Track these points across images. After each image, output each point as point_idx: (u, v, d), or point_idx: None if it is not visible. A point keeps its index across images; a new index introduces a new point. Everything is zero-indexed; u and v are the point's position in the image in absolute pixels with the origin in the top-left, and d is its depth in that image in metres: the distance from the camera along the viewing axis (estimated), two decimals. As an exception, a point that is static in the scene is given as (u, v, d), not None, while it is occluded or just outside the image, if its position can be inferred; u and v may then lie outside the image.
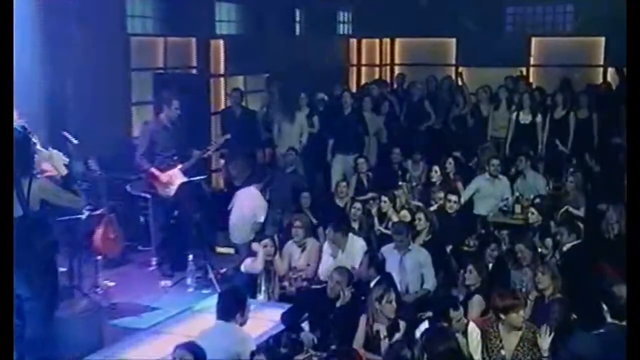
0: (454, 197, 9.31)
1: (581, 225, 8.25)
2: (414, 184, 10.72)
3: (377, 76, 14.65)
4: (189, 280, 8.44)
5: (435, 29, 13.36)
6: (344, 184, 10.07)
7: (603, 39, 12.92)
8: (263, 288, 7.65)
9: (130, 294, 8.27)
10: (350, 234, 8.29)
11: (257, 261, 7.63)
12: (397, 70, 14.56)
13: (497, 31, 13.27)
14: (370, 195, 10.18)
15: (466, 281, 7.01)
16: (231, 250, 9.68)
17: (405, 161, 11.03)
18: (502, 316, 5.83)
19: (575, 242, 7.82)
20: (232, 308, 5.67)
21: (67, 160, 5.92)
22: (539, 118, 11.53)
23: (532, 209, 8.79)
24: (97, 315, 7.06)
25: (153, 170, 8.65)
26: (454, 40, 14.00)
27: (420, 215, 8.64)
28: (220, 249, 9.81)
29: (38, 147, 5.84)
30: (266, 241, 7.78)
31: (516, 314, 5.78)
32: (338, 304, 6.63)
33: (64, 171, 5.84)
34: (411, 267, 7.94)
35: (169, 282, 8.65)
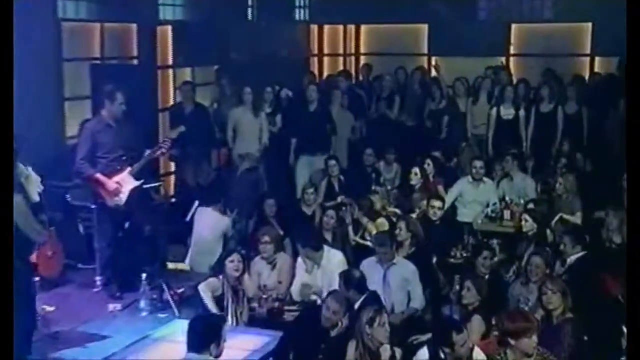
0: (437, 203, 9.18)
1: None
2: (389, 187, 10.55)
3: (340, 67, 14.41)
4: (142, 303, 8.07)
5: (405, 14, 13.15)
6: (311, 189, 9.82)
7: (590, 24, 12.87)
8: (230, 310, 7.36)
9: (74, 320, 7.85)
10: (326, 247, 8.05)
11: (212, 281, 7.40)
12: (362, 60, 14.27)
13: (472, 17, 13.11)
14: (340, 199, 10.01)
15: (463, 299, 6.83)
16: (186, 267, 9.42)
17: (378, 162, 10.86)
18: (512, 341, 5.65)
19: (580, 254, 7.71)
20: (205, 338, 5.39)
21: (42, 187, 5.83)
22: (522, 113, 11.46)
23: (526, 216, 8.65)
24: (37, 346, 6.73)
25: (98, 176, 8.22)
26: (425, 26, 13.80)
27: (401, 224, 8.44)
28: (172, 265, 9.50)
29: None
30: (233, 256, 7.50)
31: (528, 338, 5.60)
32: (333, 333, 6.39)
33: (36, 198, 5.73)
34: (396, 284, 7.77)
35: (118, 306, 8.28)
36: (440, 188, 10.19)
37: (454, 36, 13.24)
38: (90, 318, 7.94)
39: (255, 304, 7.65)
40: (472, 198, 9.86)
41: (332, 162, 10.53)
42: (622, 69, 11.97)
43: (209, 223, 9.15)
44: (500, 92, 11.69)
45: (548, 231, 8.62)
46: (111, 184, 8.26)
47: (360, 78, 13.77)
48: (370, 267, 7.91)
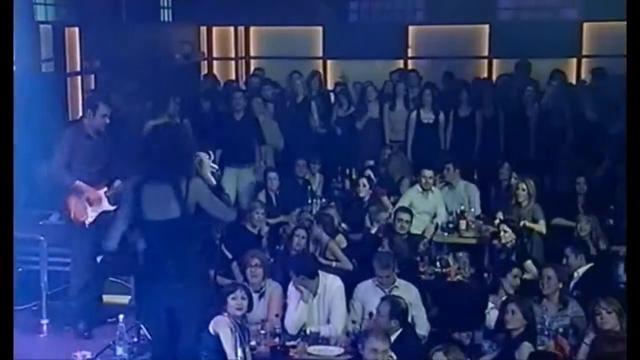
0: (405, 216, 8.62)
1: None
2: (323, 200, 9.92)
3: (232, 72, 13.49)
4: (119, 350, 7.00)
5: (297, 17, 12.49)
6: (260, 208, 8.96)
7: (487, 26, 12.77)
8: (240, 354, 6.47)
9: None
10: (322, 273, 7.30)
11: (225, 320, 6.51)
12: (254, 64, 13.43)
13: (368, 19, 12.68)
14: (282, 217, 9.29)
15: (508, 325, 6.31)
16: (124, 300, 8.38)
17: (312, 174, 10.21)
18: None
19: (587, 267, 7.42)
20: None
21: (217, 168, 5.95)
22: (442, 117, 11.14)
23: (504, 226, 8.28)
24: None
25: (79, 184, 7.39)
26: (320, 29, 13.19)
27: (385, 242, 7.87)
28: (108, 298, 8.42)
29: None
30: (237, 292, 6.61)
31: None
32: None
33: (213, 180, 5.81)
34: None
35: (88, 354, 7.15)
36: (385, 200, 9.64)
37: (350, 39, 12.69)
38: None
39: (253, 342, 6.77)
40: (422, 209, 9.37)
41: (273, 174, 9.75)
42: (524, 70, 11.97)
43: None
44: (419, 96, 11.29)
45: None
46: (93, 194, 7.50)
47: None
48: (368, 292, 7.29)
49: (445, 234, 9.23)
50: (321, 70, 12.99)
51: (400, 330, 6.38)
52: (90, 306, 7.62)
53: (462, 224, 9.25)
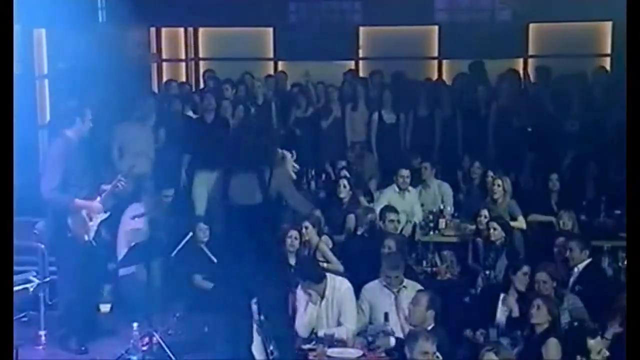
0: (393, 215, 8.58)
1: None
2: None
3: (182, 74, 13.16)
4: (134, 359, 6.80)
5: (249, 18, 12.28)
6: None
7: (436, 27, 12.86)
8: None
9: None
10: (329, 276, 7.16)
11: None
12: (203, 66, 13.13)
13: (321, 21, 12.57)
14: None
15: (533, 319, 6.31)
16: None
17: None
18: None
19: (587, 261, 7.49)
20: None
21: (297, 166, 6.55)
22: (402, 117, 11.17)
23: (494, 224, 8.32)
24: None
25: (78, 202, 7.17)
26: (270, 29, 13.01)
27: (391, 242, 7.78)
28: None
29: None
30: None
31: None
32: None
33: (294, 176, 6.42)
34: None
35: None
36: (362, 200, 9.57)
37: (302, 40, 12.56)
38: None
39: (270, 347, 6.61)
40: (400, 208, 9.31)
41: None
42: (477, 69, 12.09)
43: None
44: (379, 97, 11.28)
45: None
46: (96, 206, 7.33)
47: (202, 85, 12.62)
48: (376, 293, 7.23)
49: (431, 232, 9.24)
50: (272, 72, 12.83)
51: (433, 325, 6.38)
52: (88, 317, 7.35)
53: (442, 223, 9.29)
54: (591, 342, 5.91)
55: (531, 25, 12.72)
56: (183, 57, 13.19)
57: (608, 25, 12.65)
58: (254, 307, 6.37)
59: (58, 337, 7.34)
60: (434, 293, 6.62)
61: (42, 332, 7.33)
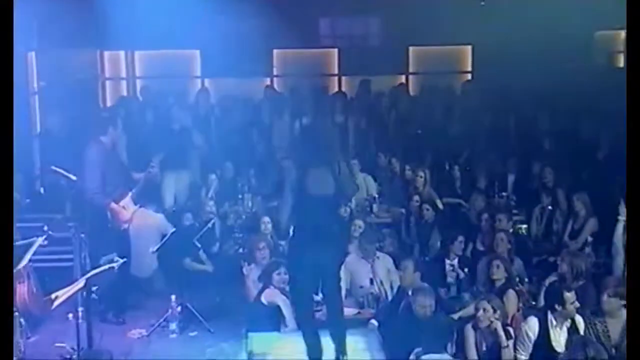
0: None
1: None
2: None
3: (124, 90, 14.30)
4: (172, 325, 8.07)
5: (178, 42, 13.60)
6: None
7: (336, 50, 14.72)
8: (289, 317, 7.79)
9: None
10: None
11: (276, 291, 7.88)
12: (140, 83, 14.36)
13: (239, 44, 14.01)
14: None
15: (493, 276, 8.02)
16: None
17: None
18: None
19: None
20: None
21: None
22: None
23: (427, 206, 10.24)
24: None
25: (113, 205, 8.31)
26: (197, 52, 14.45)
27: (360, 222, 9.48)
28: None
29: None
30: (280, 268, 7.91)
31: None
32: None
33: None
34: (383, 275, 8.82)
35: (143, 331, 8.14)
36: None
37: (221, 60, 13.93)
38: (126, 350, 7.80)
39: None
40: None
41: (213, 176, 10.90)
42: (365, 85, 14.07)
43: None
44: (300, 108, 13.00)
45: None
46: (124, 211, 8.45)
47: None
48: (355, 263, 8.84)
49: (372, 215, 10.95)
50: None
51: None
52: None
53: (375, 208, 11.04)
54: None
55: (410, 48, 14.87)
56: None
57: (469, 48, 14.97)
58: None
59: (98, 312, 8.32)
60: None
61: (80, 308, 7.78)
